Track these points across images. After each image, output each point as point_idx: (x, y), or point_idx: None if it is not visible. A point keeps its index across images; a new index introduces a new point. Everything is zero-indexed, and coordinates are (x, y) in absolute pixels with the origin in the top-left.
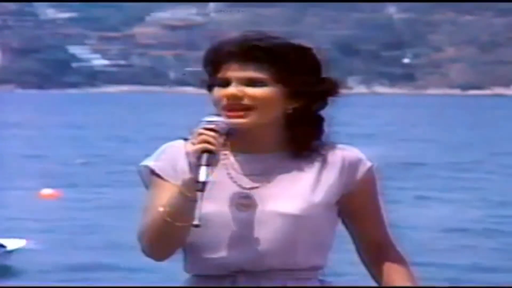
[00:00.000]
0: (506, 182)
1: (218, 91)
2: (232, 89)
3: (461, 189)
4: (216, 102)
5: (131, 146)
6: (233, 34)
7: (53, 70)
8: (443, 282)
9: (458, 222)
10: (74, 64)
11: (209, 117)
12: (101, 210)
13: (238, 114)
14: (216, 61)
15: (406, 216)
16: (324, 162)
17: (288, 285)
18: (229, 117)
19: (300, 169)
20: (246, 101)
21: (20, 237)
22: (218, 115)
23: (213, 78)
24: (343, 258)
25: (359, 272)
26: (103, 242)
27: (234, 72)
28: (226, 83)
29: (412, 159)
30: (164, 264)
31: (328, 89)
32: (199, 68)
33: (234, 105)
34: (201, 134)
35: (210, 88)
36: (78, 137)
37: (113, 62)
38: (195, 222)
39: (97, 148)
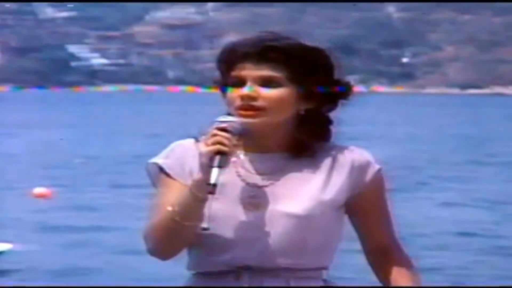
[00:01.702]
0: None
1: (232, 91)
2: (246, 90)
3: (453, 190)
4: (230, 102)
5: (130, 146)
6: (234, 33)
7: (52, 69)
8: (442, 282)
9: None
10: (73, 63)
11: (222, 117)
12: (95, 210)
13: (251, 114)
14: (231, 61)
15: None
16: (333, 163)
17: (291, 284)
18: (243, 116)
19: (310, 169)
20: (260, 102)
21: (6, 240)
22: (230, 114)
23: (226, 77)
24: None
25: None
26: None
27: (249, 71)
28: (240, 82)
29: (408, 159)
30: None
31: (340, 91)
32: (198, 67)
33: (248, 106)
34: (214, 135)
35: (222, 88)
36: (76, 136)
37: (112, 61)
38: (204, 225)
39: (95, 147)
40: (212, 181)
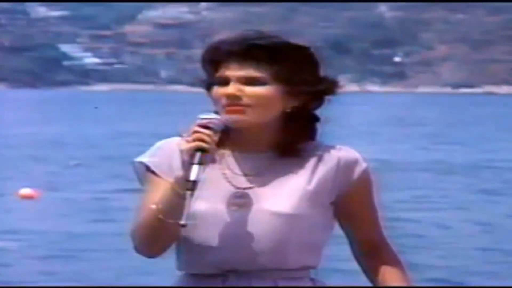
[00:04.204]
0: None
1: (217, 90)
2: (231, 88)
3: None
4: (215, 101)
5: (127, 146)
6: (227, 32)
7: (45, 69)
8: (441, 282)
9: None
10: (65, 63)
11: (205, 114)
12: (83, 214)
13: (238, 112)
14: (215, 60)
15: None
16: (319, 162)
17: (279, 285)
18: (230, 113)
19: (295, 168)
20: (245, 100)
21: None
22: (216, 112)
23: (211, 76)
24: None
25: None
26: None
27: (233, 71)
28: (225, 82)
29: (400, 160)
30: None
31: (326, 88)
32: (191, 67)
33: (234, 104)
34: (195, 132)
35: (208, 86)
36: (72, 137)
37: (105, 60)
38: (182, 221)
39: (91, 148)
40: (191, 178)
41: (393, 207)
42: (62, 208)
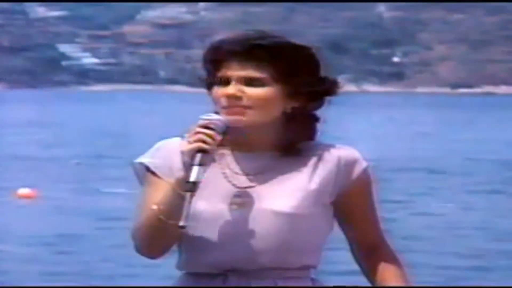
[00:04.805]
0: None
1: (218, 90)
2: (231, 89)
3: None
4: (216, 101)
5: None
6: (226, 32)
7: (43, 69)
8: (440, 282)
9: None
10: (64, 63)
11: (206, 115)
12: (81, 214)
13: (237, 113)
14: (217, 60)
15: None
16: (319, 161)
17: (279, 284)
18: (229, 115)
19: (296, 168)
20: (245, 101)
21: None
22: (216, 113)
23: (212, 76)
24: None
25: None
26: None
27: (234, 71)
28: (226, 81)
29: (398, 159)
30: None
31: (327, 89)
32: (190, 67)
33: (234, 105)
34: (197, 132)
35: (209, 86)
36: (73, 136)
37: (103, 60)
38: (181, 223)
39: (90, 148)
40: (192, 179)
41: (390, 207)
42: (60, 208)
